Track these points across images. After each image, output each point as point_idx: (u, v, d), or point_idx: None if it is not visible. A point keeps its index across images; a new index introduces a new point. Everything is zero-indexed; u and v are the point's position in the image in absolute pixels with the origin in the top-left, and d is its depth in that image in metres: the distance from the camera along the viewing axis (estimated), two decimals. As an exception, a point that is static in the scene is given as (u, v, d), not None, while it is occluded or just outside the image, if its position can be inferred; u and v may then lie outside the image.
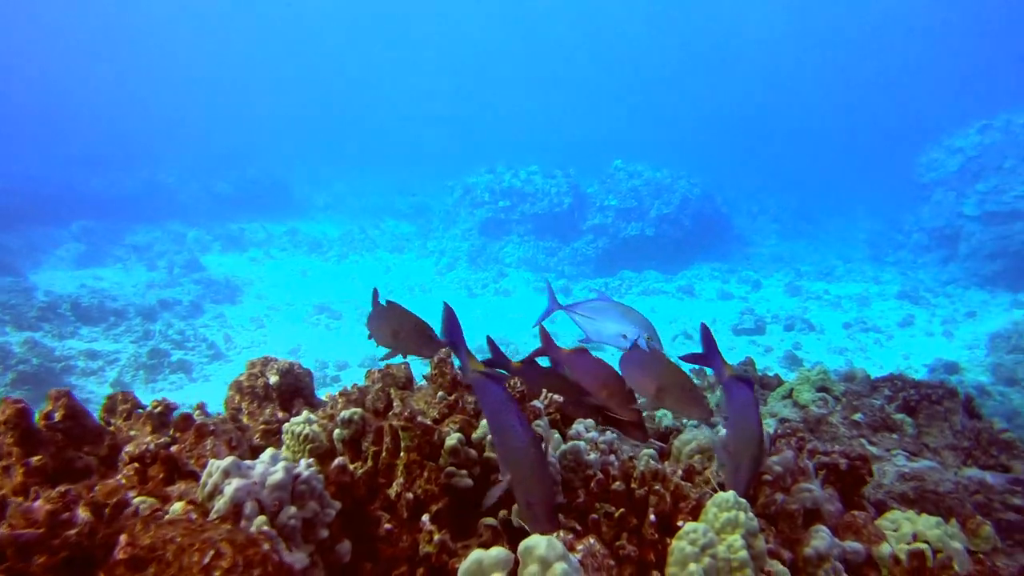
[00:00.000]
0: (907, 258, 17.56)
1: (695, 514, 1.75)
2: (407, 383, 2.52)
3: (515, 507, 1.80)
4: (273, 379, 2.97)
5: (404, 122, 41.38)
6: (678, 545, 1.58)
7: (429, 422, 2.15)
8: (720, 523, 1.64)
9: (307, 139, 35.27)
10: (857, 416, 3.98)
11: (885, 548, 1.93)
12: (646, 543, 1.72)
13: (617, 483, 1.79)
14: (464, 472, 1.94)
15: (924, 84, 42.89)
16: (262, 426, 2.54)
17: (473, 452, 1.98)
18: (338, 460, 1.92)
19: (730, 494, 1.69)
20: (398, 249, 19.68)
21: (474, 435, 2.04)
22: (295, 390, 3.06)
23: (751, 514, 1.65)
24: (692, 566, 1.51)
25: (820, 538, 1.81)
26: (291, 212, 22.81)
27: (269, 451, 1.71)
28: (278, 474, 1.59)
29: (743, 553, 1.56)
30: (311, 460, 1.80)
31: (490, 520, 1.85)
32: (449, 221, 20.00)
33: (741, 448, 1.84)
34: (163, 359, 11.23)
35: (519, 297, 15.73)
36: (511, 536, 1.83)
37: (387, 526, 1.83)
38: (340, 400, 2.38)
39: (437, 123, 40.77)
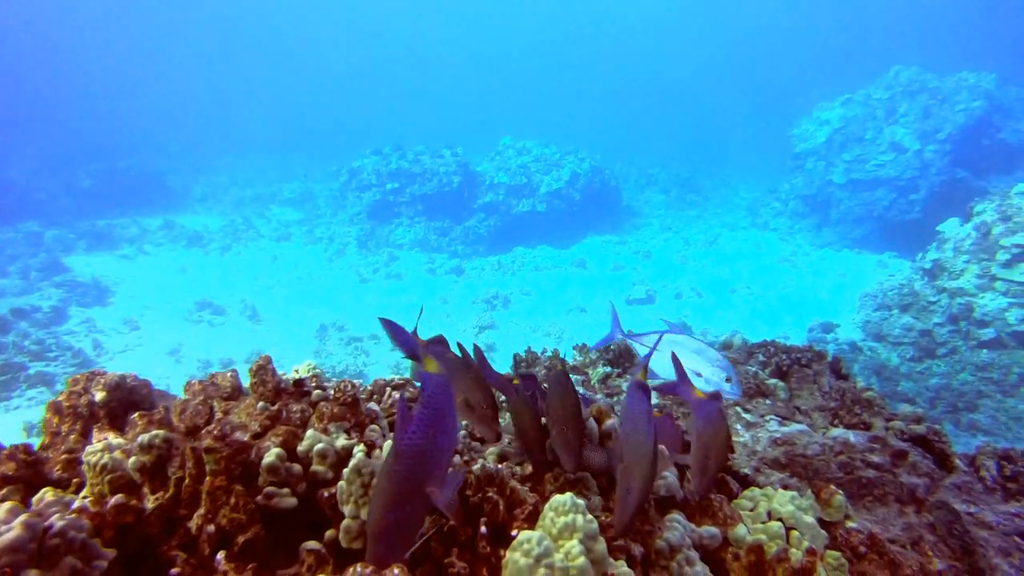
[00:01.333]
0: (785, 224, 18.36)
1: (533, 520, 1.56)
2: (233, 393, 2.19)
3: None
4: (99, 396, 2.53)
5: (287, 108, 39.74)
6: (511, 558, 1.39)
7: (247, 438, 1.86)
8: (557, 528, 1.45)
9: (183, 128, 33.23)
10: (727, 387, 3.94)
11: (741, 530, 1.82)
12: (479, 558, 1.51)
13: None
14: (286, 491, 1.67)
15: (800, 58, 45.09)
16: (63, 456, 2.16)
17: (297, 467, 1.71)
18: (115, 498, 1.61)
19: (567, 496, 1.49)
20: (284, 237, 18.82)
21: (300, 447, 1.77)
22: (129, 405, 2.65)
23: (590, 516, 1.47)
24: (526, 582, 1.32)
25: (672, 529, 1.68)
26: (167, 204, 21.37)
27: (6, 505, 1.39)
28: (11, 533, 1.28)
29: (581, 560, 1.38)
30: (67, 509, 1.48)
31: (313, 544, 1.59)
32: (337, 206, 19.34)
33: (632, 466, 1.60)
34: (18, 373, 10.25)
35: (411, 280, 15.37)
36: (339, 560, 1.58)
37: (175, 571, 1.54)
38: (140, 422, 2.03)
39: (322, 107, 39.41)
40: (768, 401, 3.91)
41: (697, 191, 22.17)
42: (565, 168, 18.49)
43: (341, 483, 1.63)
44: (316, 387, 1.97)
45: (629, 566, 1.54)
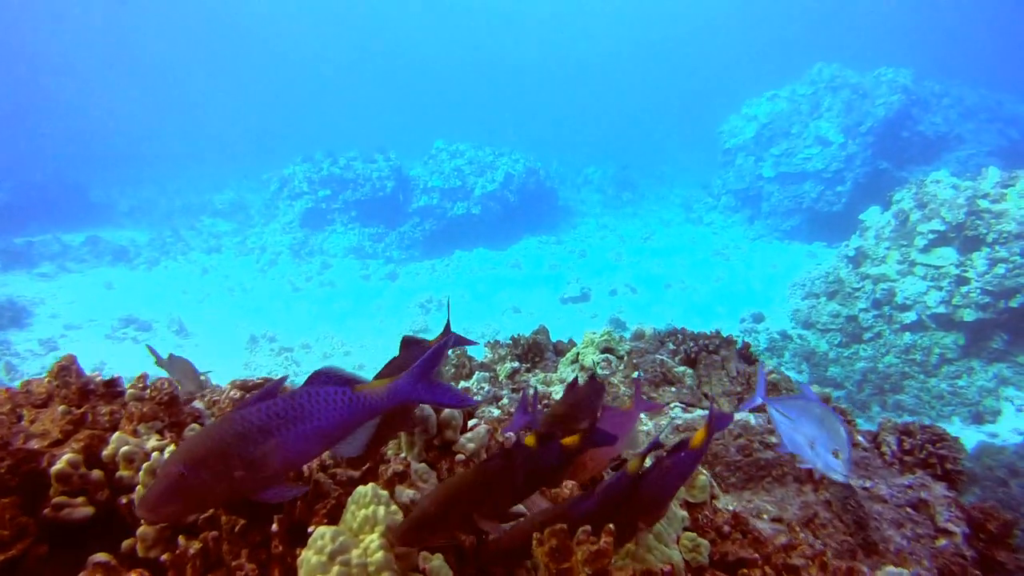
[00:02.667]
0: (718, 219, 18.64)
1: (337, 516, 1.41)
2: (48, 400, 1.98)
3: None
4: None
5: (216, 116, 38.69)
6: (305, 556, 1.27)
7: (45, 445, 1.67)
8: (358, 522, 1.31)
9: (105, 141, 31.99)
10: (636, 374, 3.87)
11: None
12: (273, 558, 1.36)
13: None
14: (80, 500, 1.49)
15: (727, 55, 46.09)
16: None
17: (97, 474, 1.52)
18: None
19: (368, 487, 1.35)
20: (215, 249, 18.24)
21: (105, 452, 1.58)
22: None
23: (393, 507, 1.33)
24: (321, 581, 1.18)
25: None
26: (90, 219, 20.48)
27: None
28: None
29: (379, 555, 1.25)
30: None
31: (101, 556, 1.40)
32: (269, 215, 18.86)
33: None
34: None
35: (344, 287, 15.06)
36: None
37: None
38: None
39: (252, 114, 38.50)
40: (673, 388, 3.85)
41: (633, 189, 22.37)
42: (499, 170, 18.42)
43: (139, 487, 1.46)
44: (133, 388, 1.78)
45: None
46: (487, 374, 4.27)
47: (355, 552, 1.25)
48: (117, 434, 1.63)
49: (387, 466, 1.64)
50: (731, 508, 2.41)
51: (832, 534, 2.76)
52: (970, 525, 2.89)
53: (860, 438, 3.53)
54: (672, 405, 3.68)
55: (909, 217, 11.40)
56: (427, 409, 1.76)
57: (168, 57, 47.71)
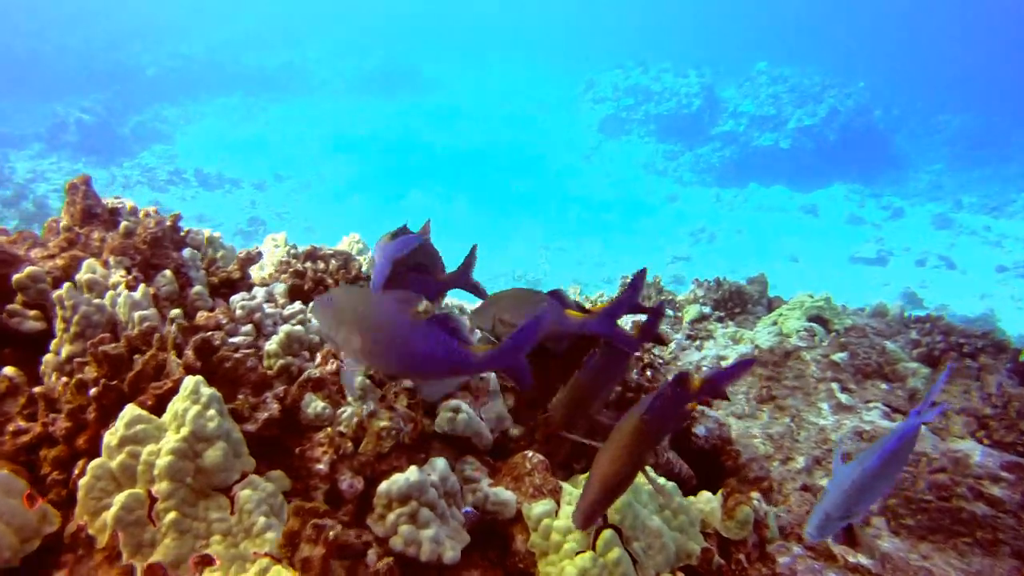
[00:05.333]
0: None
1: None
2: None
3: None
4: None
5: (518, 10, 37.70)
6: (107, 435, 1.09)
7: (34, 255, 1.72)
8: (168, 416, 1.16)
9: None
10: (839, 356, 3.10)
11: (540, 508, 1.35)
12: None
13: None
14: (33, 313, 1.57)
15: None
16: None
17: (59, 294, 1.52)
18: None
19: (195, 379, 1.13)
20: (514, 140, 18.93)
21: (77, 276, 1.60)
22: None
23: (211, 411, 1.10)
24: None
25: (412, 472, 1.29)
26: (421, 91, 22.32)
27: None
28: None
29: (168, 460, 1.04)
30: None
31: (9, 370, 1.42)
32: (571, 117, 18.99)
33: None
34: (260, 227, 11.69)
35: (621, 198, 14.74)
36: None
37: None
38: None
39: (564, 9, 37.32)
40: (885, 386, 3.01)
41: (993, 147, 18.25)
42: (824, 103, 16.27)
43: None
44: (128, 220, 1.74)
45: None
46: (670, 313, 3.77)
47: (148, 448, 1.03)
48: (88, 260, 1.61)
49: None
50: (882, 551, 1.77)
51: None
52: None
53: None
54: (872, 405, 2.87)
55: None
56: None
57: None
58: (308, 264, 2.01)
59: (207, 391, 1.19)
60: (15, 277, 1.51)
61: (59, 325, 1.44)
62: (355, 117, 19.06)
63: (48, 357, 1.45)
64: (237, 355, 1.42)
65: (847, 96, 16.51)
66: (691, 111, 16.82)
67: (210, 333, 1.40)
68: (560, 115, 19.67)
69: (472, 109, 20.41)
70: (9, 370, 1.41)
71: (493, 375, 1.57)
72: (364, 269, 2.01)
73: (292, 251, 2.02)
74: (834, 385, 2.98)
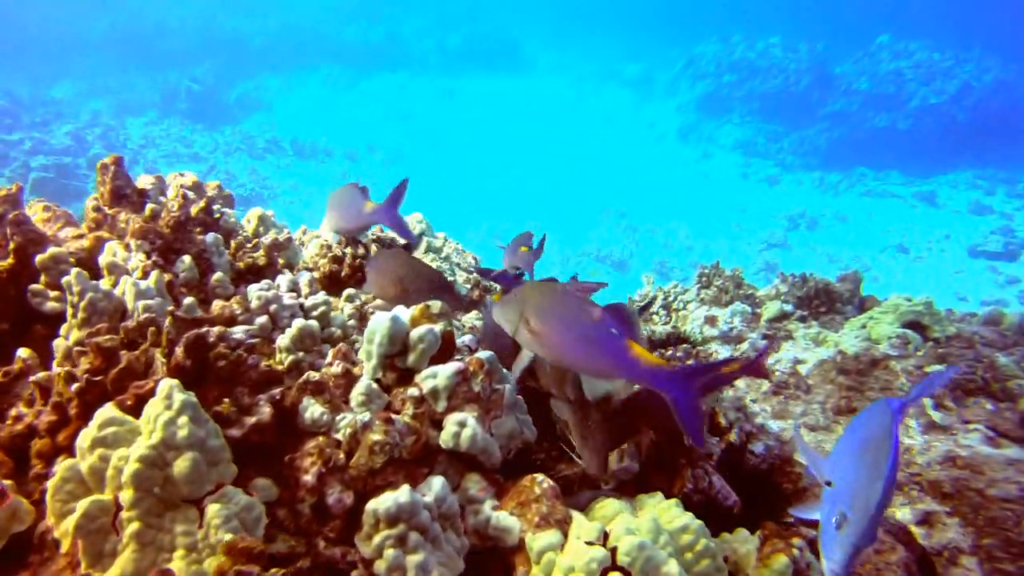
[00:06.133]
0: None
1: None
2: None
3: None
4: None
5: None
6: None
7: (63, 235, 1.66)
8: (144, 417, 1.13)
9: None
10: (936, 368, 2.71)
11: (546, 539, 1.19)
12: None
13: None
14: (55, 294, 1.55)
15: None
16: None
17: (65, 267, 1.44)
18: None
19: (169, 383, 1.04)
20: (610, 117, 18.47)
21: (100, 258, 1.57)
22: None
23: (183, 420, 1.04)
24: None
25: (404, 492, 1.17)
26: (518, 69, 22.25)
27: None
28: None
29: (135, 468, 0.98)
30: None
31: (23, 352, 1.36)
32: (669, 92, 18.30)
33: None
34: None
35: (716, 181, 14.11)
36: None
37: None
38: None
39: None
40: (991, 406, 2.59)
41: None
42: (956, 79, 14.87)
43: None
44: (154, 203, 1.66)
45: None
46: (748, 309, 3.44)
47: (119, 452, 1.09)
48: (110, 243, 1.56)
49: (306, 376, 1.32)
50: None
51: None
52: None
53: None
54: (973, 426, 2.48)
55: None
56: (400, 317, 1.36)
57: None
58: (348, 249, 1.95)
59: (180, 396, 1.12)
60: (38, 257, 1.49)
61: (68, 311, 1.42)
62: (446, 94, 19.11)
63: (58, 342, 1.41)
64: (237, 352, 1.34)
65: (984, 71, 15.03)
66: (799, 89, 15.83)
67: (205, 329, 1.31)
68: (656, 93, 19.07)
69: (563, 89, 20.06)
70: (24, 352, 1.39)
71: (508, 386, 1.40)
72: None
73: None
74: (927, 400, 2.61)
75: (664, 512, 1.29)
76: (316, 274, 1.90)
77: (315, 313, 1.56)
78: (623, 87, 20.90)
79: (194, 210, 1.75)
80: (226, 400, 1.26)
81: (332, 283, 1.91)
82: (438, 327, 1.38)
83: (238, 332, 1.40)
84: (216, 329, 1.32)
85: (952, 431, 2.44)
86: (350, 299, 1.76)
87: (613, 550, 1.13)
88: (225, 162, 12.66)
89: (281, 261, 1.95)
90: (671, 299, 3.80)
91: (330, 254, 1.94)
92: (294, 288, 1.66)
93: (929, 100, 14.87)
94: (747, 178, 14.18)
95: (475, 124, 17.17)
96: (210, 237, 1.63)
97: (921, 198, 12.81)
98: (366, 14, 23.62)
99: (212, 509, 1.10)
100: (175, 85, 15.55)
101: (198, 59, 17.78)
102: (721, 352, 3.19)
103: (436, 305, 1.45)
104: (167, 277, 1.53)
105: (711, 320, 3.42)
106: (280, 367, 1.41)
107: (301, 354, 1.42)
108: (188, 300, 1.43)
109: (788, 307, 3.35)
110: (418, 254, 3.08)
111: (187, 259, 1.56)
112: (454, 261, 3.29)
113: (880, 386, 2.67)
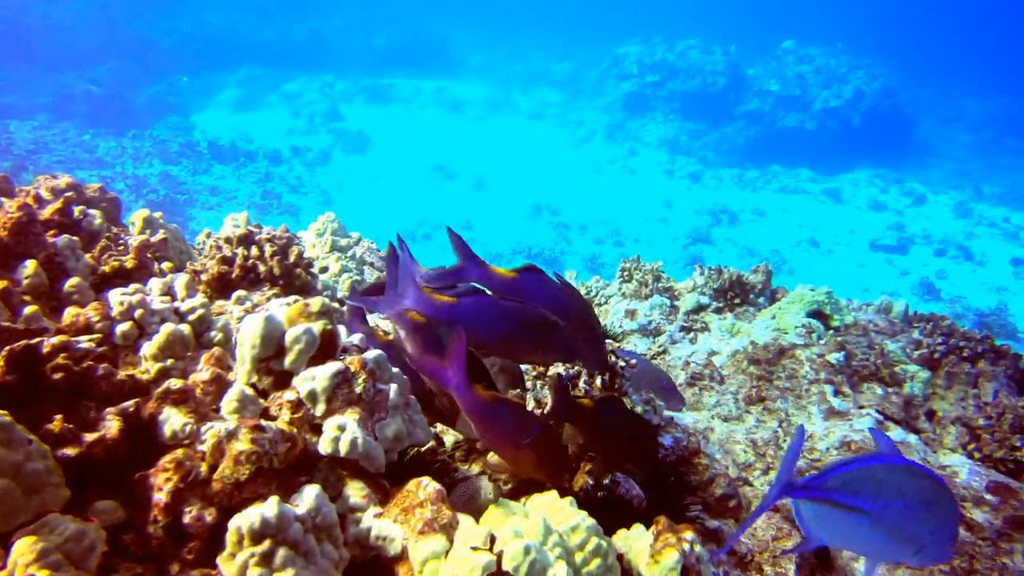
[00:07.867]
0: None
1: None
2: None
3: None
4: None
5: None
6: None
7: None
8: None
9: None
10: (835, 356, 3.18)
11: (427, 547, 1.14)
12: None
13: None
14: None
15: None
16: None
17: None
18: None
19: None
20: (538, 116, 18.91)
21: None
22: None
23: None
24: None
25: (270, 504, 1.06)
26: (446, 69, 22.34)
27: None
28: None
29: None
30: None
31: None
32: (595, 92, 18.91)
33: None
34: (273, 200, 11.85)
35: (644, 177, 14.74)
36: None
37: None
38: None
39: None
40: (880, 391, 3.08)
41: (1021, 135, 17.94)
42: (850, 84, 16.02)
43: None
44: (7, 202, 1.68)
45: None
46: (667, 302, 3.75)
47: None
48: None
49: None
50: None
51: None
52: None
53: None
54: (866, 411, 2.98)
55: None
56: (275, 317, 1.34)
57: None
58: (240, 249, 1.87)
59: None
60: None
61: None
62: (372, 94, 19.09)
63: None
64: (84, 363, 1.26)
65: (873, 78, 16.23)
66: (716, 89, 16.68)
67: (37, 340, 1.24)
68: (583, 93, 19.63)
69: (491, 89, 20.29)
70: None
71: (394, 387, 1.34)
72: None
73: (236, 231, 1.94)
74: (827, 388, 2.99)
75: (557, 512, 1.24)
76: (205, 276, 1.83)
77: (191, 317, 1.48)
78: (551, 87, 21.38)
79: (47, 212, 1.69)
80: (57, 417, 1.16)
81: (222, 285, 1.83)
82: (316, 326, 1.33)
83: (83, 342, 1.30)
84: (55, 339, 1.24)
85: (848, 416, 2.84)
86: (240, 301, 1.69)
87: (500, 555, 1.10)
88: (134, 167, 12.17)
89: (168, 265, 1.89)
90: (593, 294, 3.89)
91: (219, 255, 1.85)
92: (168, 292, 1.55)
93: (830, 103, 15.94)
94: (671, 175, 14.86)
95: (403, 124, 17.29)
96: (62, 240, 1.61)
97: (828, 195, 13.81)
98: (286, 13, 23.19)
99: (21, 545, 0.96)
100: (70, 87, 14.87)
101: (97, 60, 16.83)
102: (640, 346, 3.41)
103: (315, 302, 1.36)
104: (3, 284, 1.44)
105: (631, 314, 3.61)
106: (147, 376, 1.34)
107: (170, 362, 1.37)
108: (28, 309, 1.36)
109: (705, 299, 3.68)
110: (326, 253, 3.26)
111: (30, 264, 1.53)
112: (367, 261, 3.42)
113: (787, 375, 3.08)
